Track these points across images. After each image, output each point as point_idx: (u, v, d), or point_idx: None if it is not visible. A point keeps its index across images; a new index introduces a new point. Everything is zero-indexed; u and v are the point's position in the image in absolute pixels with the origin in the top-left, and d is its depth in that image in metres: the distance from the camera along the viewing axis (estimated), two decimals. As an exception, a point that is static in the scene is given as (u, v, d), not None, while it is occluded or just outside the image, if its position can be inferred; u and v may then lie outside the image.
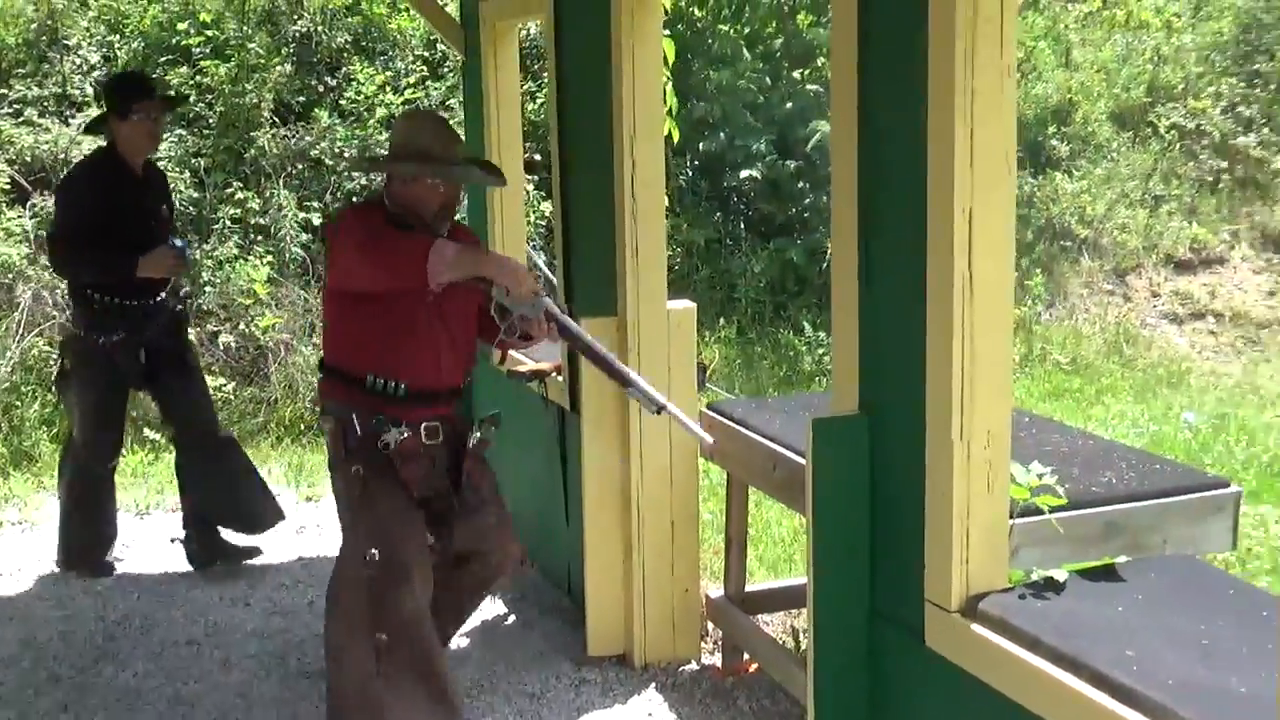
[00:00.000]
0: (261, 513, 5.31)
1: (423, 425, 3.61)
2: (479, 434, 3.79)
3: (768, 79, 10.64)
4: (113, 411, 5.20)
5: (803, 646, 4.51)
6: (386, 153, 3.68)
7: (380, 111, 9.69)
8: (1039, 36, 12.44)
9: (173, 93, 8.74)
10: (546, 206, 8.73)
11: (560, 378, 4.91)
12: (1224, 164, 11.77)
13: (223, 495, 5.27)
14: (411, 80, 10.04)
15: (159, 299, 5.07)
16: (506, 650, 4.58)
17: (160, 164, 6.82)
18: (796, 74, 10.81)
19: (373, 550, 3.49)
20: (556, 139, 4.89)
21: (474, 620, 4.89)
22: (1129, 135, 11.90)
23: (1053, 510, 2.92)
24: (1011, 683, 2.49)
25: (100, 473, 5.30)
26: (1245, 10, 13.25)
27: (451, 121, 9.68)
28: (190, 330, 6.14)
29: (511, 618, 4.91)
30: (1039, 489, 2.88)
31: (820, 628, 2.95)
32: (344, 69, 9.88)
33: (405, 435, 3.53)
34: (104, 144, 5.12)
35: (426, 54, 10.38)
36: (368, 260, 3.44)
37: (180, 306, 5.31)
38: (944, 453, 2.65)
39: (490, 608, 4.99)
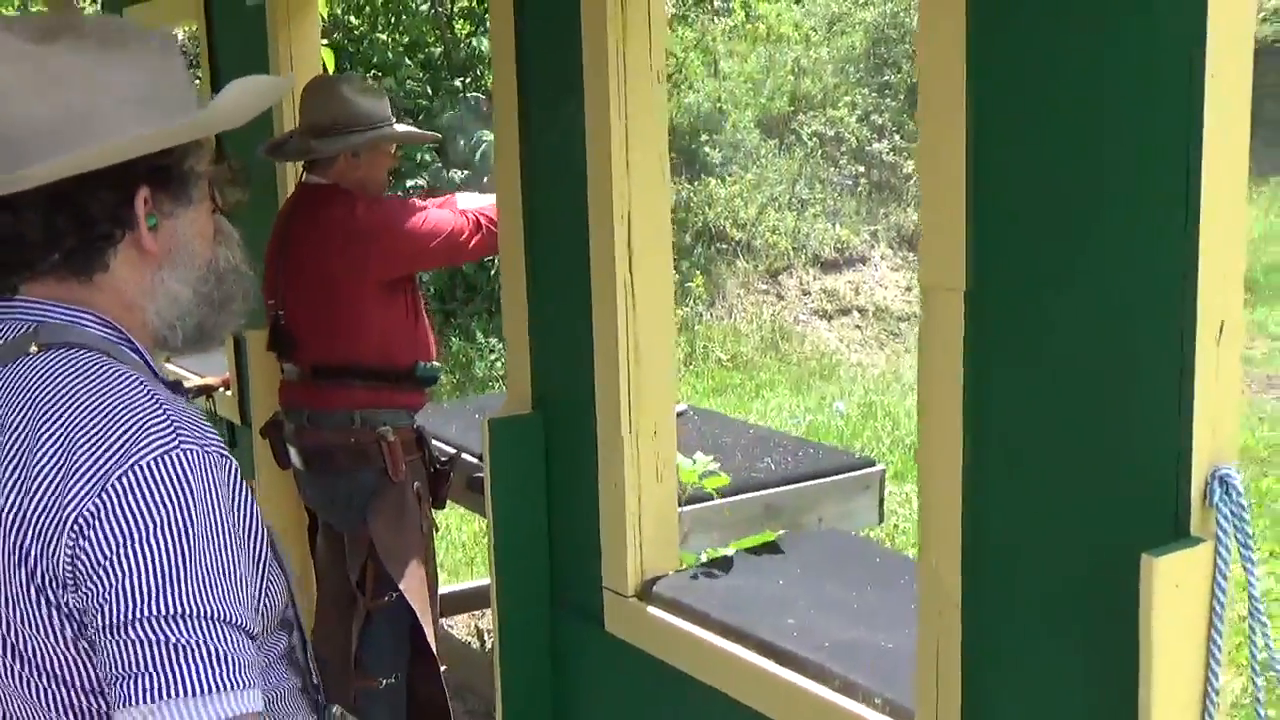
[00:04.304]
0: None
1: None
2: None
3: (429, 88, 10.67)
4: None
5: (488, 645, 4.58)
6: (356, 127, 3.36)
7: None
8: (688, 48, 12.98)
9: None
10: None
11: (229, 392, 4.81)
12: (861, 169, 12.62)
13: None
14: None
15: None
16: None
17: None
18: (458, 83, 10.89)
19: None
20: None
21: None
22: (775, 142, 12.58)
23: (720, 494, 3.11)
24: (686, 658, 2.64)
25: None
26: (874, 26, 14.25)
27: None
28: None
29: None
30: (705, 473, 3.06)
31: (505, 621, 3.02)
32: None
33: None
34: None
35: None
36: (482, 238, 3.33)
37: None
38: (615, 446, 2.77)
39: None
